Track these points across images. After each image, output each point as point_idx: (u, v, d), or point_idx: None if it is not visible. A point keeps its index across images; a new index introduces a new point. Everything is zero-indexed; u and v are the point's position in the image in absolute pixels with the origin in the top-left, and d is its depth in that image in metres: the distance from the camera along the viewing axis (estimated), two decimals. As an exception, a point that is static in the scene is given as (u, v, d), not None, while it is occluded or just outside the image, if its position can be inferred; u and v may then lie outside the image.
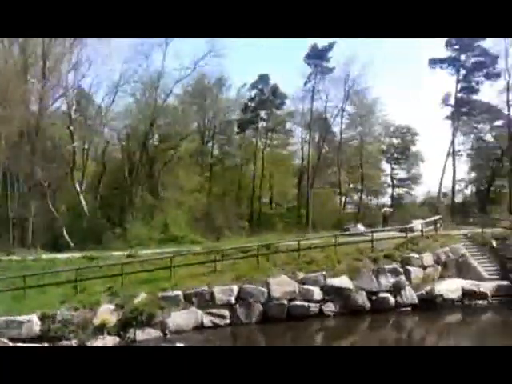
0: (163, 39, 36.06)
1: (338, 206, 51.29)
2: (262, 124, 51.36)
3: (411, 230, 24.63)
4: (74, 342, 15.62)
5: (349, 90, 47.75)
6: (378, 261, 21.11)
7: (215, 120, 48.55)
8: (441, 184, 48.96)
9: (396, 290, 20.08)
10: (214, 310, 18.18)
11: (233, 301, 18.47)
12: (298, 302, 18.85)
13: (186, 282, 18.94)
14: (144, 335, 16.52)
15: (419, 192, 56.27)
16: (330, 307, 19.10)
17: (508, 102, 45.28)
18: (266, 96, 50.35)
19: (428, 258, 21.77)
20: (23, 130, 30.44)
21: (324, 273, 19.90)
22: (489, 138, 52.12)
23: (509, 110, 45.69)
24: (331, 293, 19.37)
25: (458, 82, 48.99)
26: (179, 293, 18.20)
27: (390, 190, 55.33)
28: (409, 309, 19.74)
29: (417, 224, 25.46)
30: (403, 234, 23.78)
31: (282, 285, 19.13)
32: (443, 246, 22.95)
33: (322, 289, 19.39)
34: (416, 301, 19.98)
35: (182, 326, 17.44)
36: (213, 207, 39.14)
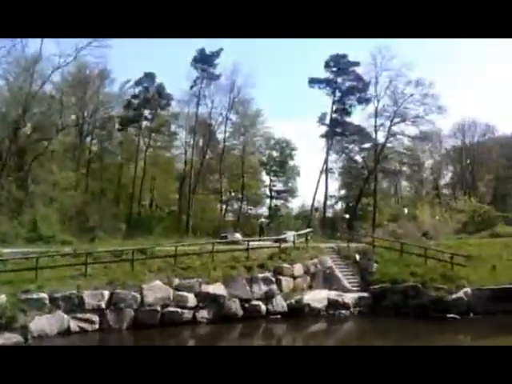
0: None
1: (219, 213, 51.87)
2: (145, 123, 50.26)
3: (284, 240, 25.76)
4: None
5: (234, 98, 48.76)
6: (252, 269, 21.71)
7: (96, 114, 46.32)
8: (314, 199, 51.98)
9: (267, 298, 20.82)
10: (82, 315, 17.27)
11: (103, 306, 17.72)
12: (171, 309, 18.67)
13: (53, 285, 17.75)
14: (1, 340, 15.10)
15: (295, 205, 59.24)
16: (203, 314, 19.20)
17: (376, 126, 49.73)
18: (151, 95, 49.38)
19: (298, 269, 22.91)
20: None
21: (199, 279, 19.97)
22: (358, 158, 56.55)
23: (376, 134, 50.17)
24: (205, 300, 19.50)
25: (333, 103, 52.51)
26: (44, 296, 16.99)
27: (268, 201, 57.40)
28: (278, 316, 20.56)
29: (290, 235, 26.78)
30: (277, 245, 24.76)
31: (155, 291, 18.82)
32: (313, 257, 24.34)
33: (196, 295, 19.43)
34: (286, 309, 20.88)
35: (45, 330, 16.29)
36: (88, 206, 37.26)
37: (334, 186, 57.71)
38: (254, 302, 20.35)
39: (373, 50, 47.86)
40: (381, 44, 46.94)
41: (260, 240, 27.47)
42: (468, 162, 62.16)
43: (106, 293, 18.01)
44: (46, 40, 35.75)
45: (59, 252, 21.28)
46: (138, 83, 49.72)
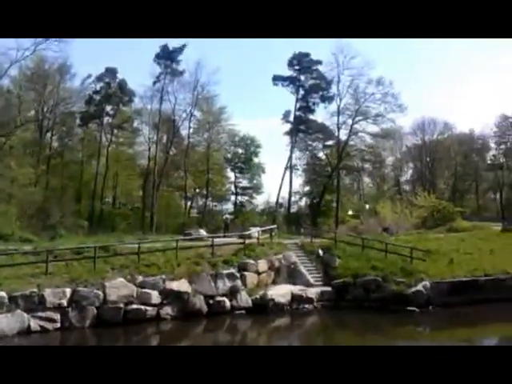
0: None
1: (183, 209, 51.60)
2: (107, 119, 49.43)
3: (249, 236, 25.91)
4: None
5: (198, 95, 48.55)
6: (216, 265, 21.76)
7: (56, 109, 45.26)
8: (278, 195, 52.44)
9: (232, 294, 20.91)
10: (43, 314, 16.91)
11: (65, 304, 17.40)
12: (134, 306, 18.50)
13: (12, 284, 17.30)
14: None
15: (260, 201, 59.57)
16: (167, 311, 19.12)
17: (338, 124, 50.56)
18: (113, 91, 48.59)
19: (263, 264, 23.10)
20: None
21: (163, 276, 19.87)
22: (321, 155, 57.33)
23: (338, 132, 51.01)
24: (169, 296, 19.42)
25: (297, 100, 53.04)
26: (3, 295, 16.55)
27: (233, 197, 57.51)
28: (243, 312, 20.70)
29: (254, 231, 26.94)
30: (242, 241, 24.88)
31: (119, 288, 18.60)
32: (277, 253, 24.58)
33: (160, 292, 19.32)
34: (250, 304, 21.02)
35: (4, 330, 15.89)
36: (48, 203, 36.39)
37: (298, 182, 58.50)
38: (219, 298, 20.41)
39: (335, 50, 48.62)
40: (343, 43, 47.74)
41: (225, 236, 27.51)
42: (428, 159, 64.01)
43: (68, 291, 17.68)
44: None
45: (18, 250, 20.73)
46: (99, 79, 48.79)
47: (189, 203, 53.10)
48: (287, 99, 53.64)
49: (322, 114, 53.27)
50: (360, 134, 52.75)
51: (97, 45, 67.35)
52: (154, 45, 48.62)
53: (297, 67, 52.72)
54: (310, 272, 24.48)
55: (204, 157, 52.00)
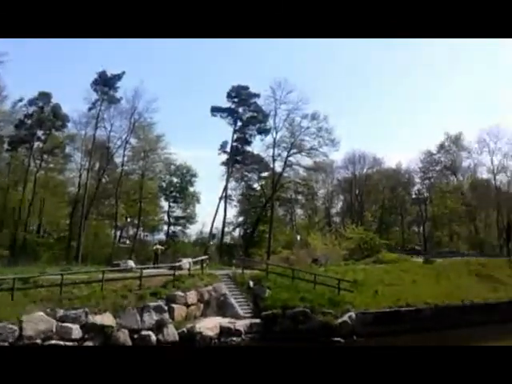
0: None
1: (113, 239, 50.09)
2: (37, 144, 47.62)
3: (180, 268, 25.56)
4: None
5: (134, 122, 47.97)
6: (144, 298, 21.23)
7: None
8: (212, 225, 52.26)
9: (159, 327, 20.41)
10: None
11: (-26, 340, 16.28)
12: (53, 341, 17.62)
13: None
14: None
15: (193, 231, 59.06)
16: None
17: (273, 156, 51.60)
18: (46, 115, 47.12)
19: (192, 296, 22.81)
20: None
21: (86, 309, 19.11)
22: (256, 186, 58.10)
23: (274, 164, 52.04)
24: (92, 331, 18.68)
25: (234, 132, 53.81)
26: None
27: (166, 227, 56.61)
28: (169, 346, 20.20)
29: (185, 262, 26.61)
30: (172, 272, 24.49)
31: (37, 322, 17.69)
32: (207, 284, 24.38)
33: (82, 327, 18.54)
34: (177, 338, 20.58)
35: None
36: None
37: (233, 213, 58.64)
38: (144, 333, 19.84)
39: (273, 84, 50.05)
40: (280, 78, 49.43)
41: (154, 267, 26.98)
42: (357, 192, 66.47)
43: (-21, 326, 16.59)
44: None
45: None
46: (31, 102, 47.22)
47: (118, 233, 51.69)
48: (225, 130, 54.19)
49: (258, 146, 54.35)
50: (294, 166, 54.04)
51: (32, 67, 65.30)
52: (90, 70, 47.95)
53: (235, 99, 53.66)
54: (239, 304, 24.42)
55: (138, 185, 51.06)
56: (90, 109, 46.96)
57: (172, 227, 56.76)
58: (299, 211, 68.18)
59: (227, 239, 56.73)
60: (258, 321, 23.19)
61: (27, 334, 17.21)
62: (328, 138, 51.22)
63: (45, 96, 47.59)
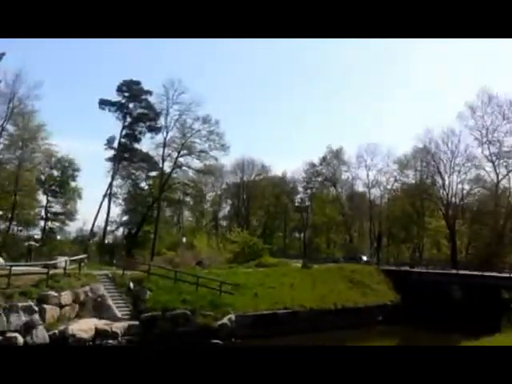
0: None
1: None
2: None
3: (55, 266, 24.13)
4: None
5: (13, 108, 44.31)
6: (12, 297, 19.67)
7: None
8: (94, 223, 50.08)
9: (27, 329, 19.03)
10: None
11: None
12: None
13: None
14: None
15: (73, 228, 55.90)
16: None
17: (163, 156, 50.95)
18: None
19: (67, 297, 21.61)
20: None
21: None
22: (144, 185, 56.81)
23: (163, 164, 51.36)
24: None
25: (123, 127, 52.12)
26: None
27: (42, 223, 52.85)
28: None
29: (61, 261, 25.18)
30: (45, 270, 23.00)
31: None
32: (84, 285, 23.27)
33: None
34: (47, 340, 19.39)
35: None
36: None
37: (117, 211, 56.60)
38: (10, 334, 18.38)
39: (166, 82, 49.42)
40: (174, 78, 48.95)
41: (27, 265, 25.15)
42: (244, 197, 68.03)
43: None
44: None
45: None
46: None
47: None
48: (113, 124, 52.12)
49: (147, 144, 52.91)
50: (184, 167, 53.76)
51: None
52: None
53: (126, 94, 52.00)
54: (118, 305, 23.66)
55: (13, 176, 47.03)
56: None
57: (50, 223, 53.05)
58: (187, 213, 67.97)
59: (110, 239, 54.60)
60: (136, 323, 22.65)
61: None
62: (218, 142, 51.77)
63: None
